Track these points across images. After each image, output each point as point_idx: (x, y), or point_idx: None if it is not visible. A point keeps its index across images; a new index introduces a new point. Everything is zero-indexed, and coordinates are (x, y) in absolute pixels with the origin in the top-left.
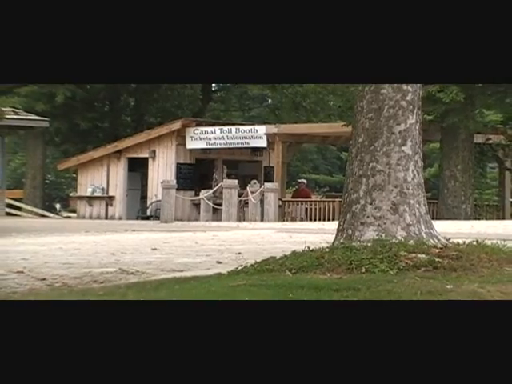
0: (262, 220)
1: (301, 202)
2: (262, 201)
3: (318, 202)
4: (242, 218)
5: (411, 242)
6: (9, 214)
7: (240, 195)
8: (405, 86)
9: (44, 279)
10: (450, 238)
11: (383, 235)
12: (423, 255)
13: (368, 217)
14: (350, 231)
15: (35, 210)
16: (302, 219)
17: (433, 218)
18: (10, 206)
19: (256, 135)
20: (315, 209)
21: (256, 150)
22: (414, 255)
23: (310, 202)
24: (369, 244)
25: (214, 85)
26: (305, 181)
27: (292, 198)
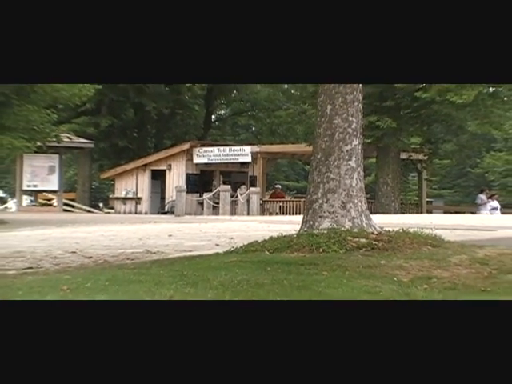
0: (248, 214)
1: (276, 201)
2: (248, 200)
3: (289, 201)
4: (233, 213)
5: (355, 230)
6: (65, 210)
7: (232, 196)
8: (350, 118)
9: (90, 257)
10: (383, 227)
11: (335, 225)
12: (364, 239)
13: (324, 212)
14: (311, 222)
15: (84, 207)
16: (276, 213)
17: (371, 213)
18: (65, 204)
19: (243, 153)
20: (287, 206)
21: (243, 164)
22: (357, 239)
23: (284, 201)
24: (325, 231)
25: (213, 117)
26: (280, 186)
27: (270, 198)
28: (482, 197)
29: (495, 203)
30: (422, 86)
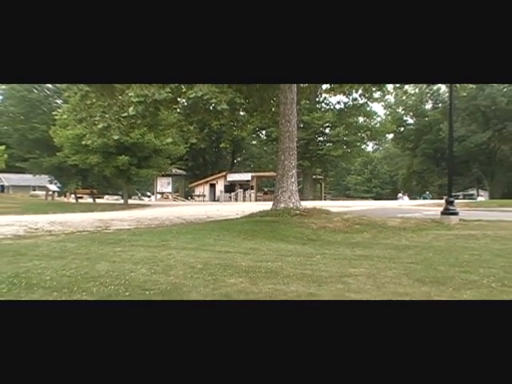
0: (250, 201)
1: (262, 196)
2: (250, 196)
3: (268, 196)
4: (244, 201)
5: (294, 207)
6: (174, 200)
7: (243, 194)
8: (292, 161)
9: (184, 219)
10: (305, 206)
11: (286, 206)
12: (298, 211)
13: (281, 200)
14: (276, 205)
15: (182, 199)
16: (261, 201)
17: (301, 201)
18: (174, 198)
19: (247, 176)
20: (267, 198)
21: (248, 180)
22: (295, 211)
23: (266, 196)
24: (281, 208)
25: (235, 161)
26: (265, 189)
27: (262, 195)
28: (400, 194)
29: (405, 197)
30: (321, 147)
